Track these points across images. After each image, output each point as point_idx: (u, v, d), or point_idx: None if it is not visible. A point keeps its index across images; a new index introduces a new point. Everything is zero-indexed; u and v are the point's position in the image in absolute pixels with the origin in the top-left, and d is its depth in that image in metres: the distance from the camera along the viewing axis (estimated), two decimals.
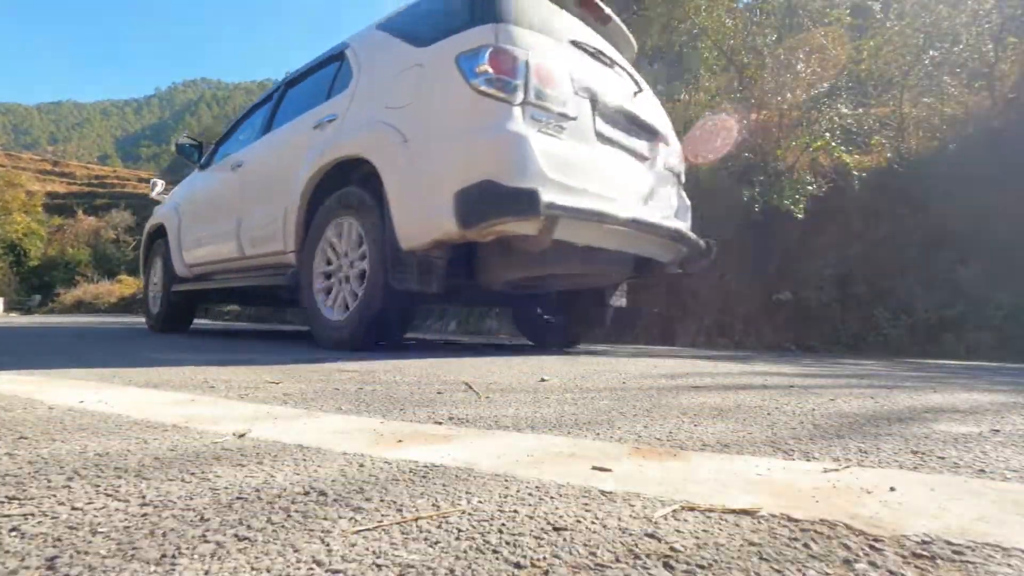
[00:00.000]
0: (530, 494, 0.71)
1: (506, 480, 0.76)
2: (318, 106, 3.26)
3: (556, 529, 0.59)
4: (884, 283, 5.03)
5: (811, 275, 5.32)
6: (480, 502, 0.67)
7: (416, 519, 0.61)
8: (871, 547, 0.56)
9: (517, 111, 2.40)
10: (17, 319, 11.63)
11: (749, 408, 1.43)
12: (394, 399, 1.44)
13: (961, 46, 5.53)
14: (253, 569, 0.48)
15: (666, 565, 0.51)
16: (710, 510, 0.66)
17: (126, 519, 0.59)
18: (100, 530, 0.56)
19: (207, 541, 0.54)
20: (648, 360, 3.01)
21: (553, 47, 2.65)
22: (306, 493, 0.69)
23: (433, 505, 0.66)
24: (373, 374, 1.97)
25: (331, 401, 1.39)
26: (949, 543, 0.57)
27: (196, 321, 9.76)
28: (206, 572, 0.48)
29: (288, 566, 0.49)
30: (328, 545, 0.54)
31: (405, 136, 2.60)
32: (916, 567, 0.52)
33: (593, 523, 0.61)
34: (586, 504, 0.67)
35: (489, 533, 0.58)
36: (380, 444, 0.95)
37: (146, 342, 3.66)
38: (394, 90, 2.78)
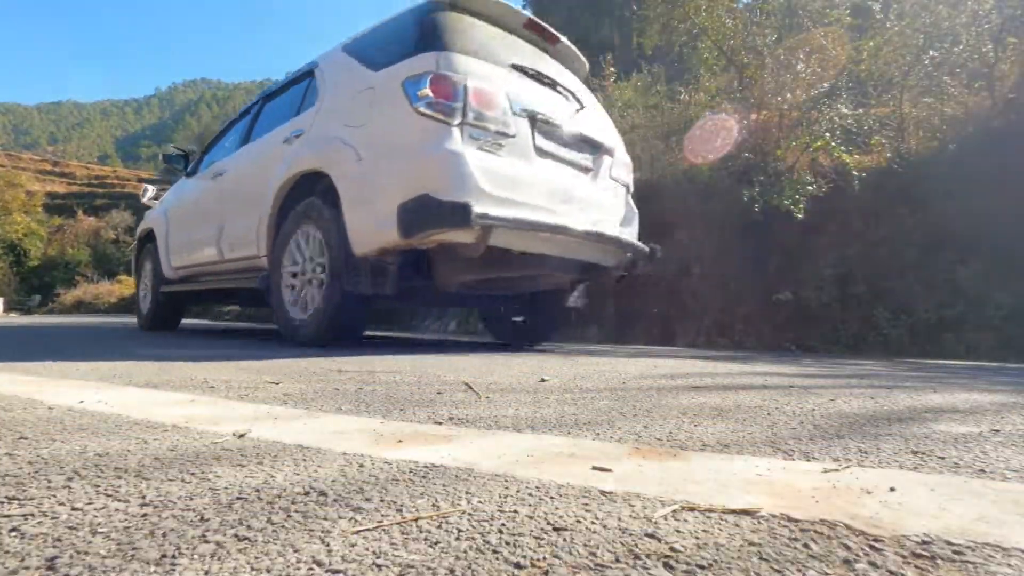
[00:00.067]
0: (530, 494, 0.71)
1: (506, 480, 0.76)
2: (289, 121, 3.52)
3: (556, 529, 0.59)
4: (884, 283, 5.03)
5: (811, 275, 5.32)
6: (480, 502, 0.67)
7: (416, 519, 0.61)
8: (871, 547, 0.56)
9: (456, 131, 2.66)
10: (17, 319, 11.63)
11: (749, 408, 1.43)
12: (394, 399, 1.44)
13: (961, 46, 5.53)
14: (253, 569, 0.48)
15: (666, 565, 0.51)
16: (710, 510, 0.66)
17: (126, 519, 0.59)
18: (100, 530, 0.56)
19: (207, 541, 0.54)
20: (648, 360, 3.01)
21: (492, 72, 2.89)
22: (306, 493, 0.69)
23: (433, 505, 0.66)
24: (373, 374, 1.97)
25: (331, 401, 1.39)
26: (949, 543, 0.57)
27: (196, 321, 9.76)
28: (206, 572, 0.48)
29: (288, 566, 0.49)
30: (328, 545, 0.54)
31: (359, 153, 2.86)
32: (916, 567, 0.52)
33: (593, 523, 0.61)
34: (586, 504, 0.67)
35: (489, 533, 0.58)
36: (380, 444, 0.95)
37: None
38: (352, 110, 3.05)
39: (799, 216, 5.18)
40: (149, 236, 5.12)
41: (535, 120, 2.95)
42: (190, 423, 1.09)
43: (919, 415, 1.38)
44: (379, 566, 0.50)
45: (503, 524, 0.60)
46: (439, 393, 1.57)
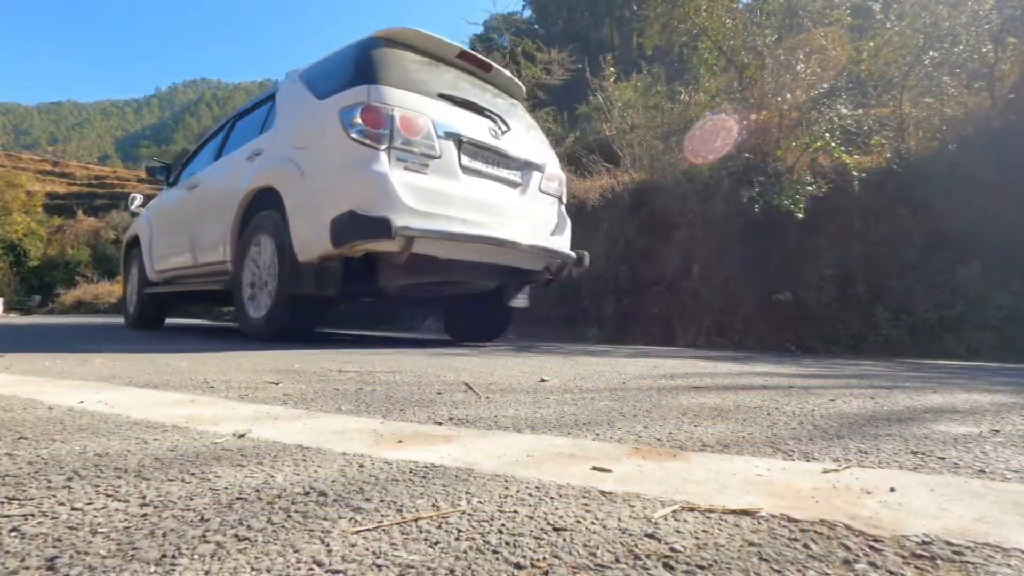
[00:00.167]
0: (530, 494, 0.71)
1: (506, 480, 0.76)
2: (252, 140, 3.90)
3: (556, 529, 0.59)
4: (884, 283, 5.02)
5: (811, 275, 5.32)
6: (480, 502, 0.67)
7: (416, 519, 0.61)
8: (871, 547, 0.56)
9: (383, 155, 3.02)
10: (16, 319, 11.63)
11: (749, 408, 1.43)
12: (394, 399, 1.44)
13: (961, 47, 5.52)
14: (253, 569, 0.48)
15: (666, 565, 0.51)
16: (710, 510, 0.66)
17: (126, 519, 0.59)
18: (100, 530, 0.56)
19: (207, 541, 0.54)
20: (648, 360, 3.01)
21: (420, 101, 3.24)
22: (306, 493, 0.69)
23: (433, 505, 0.66)
24: (373, 374, 1.97)
25: (331, 402, 1.39)
26: (949, 543, 0.57)
27: (195, 321, 9.76)
28: (206, 572, 0.48)
29: (288, 566, 0.49)
30: (328, 545, 0.54)
31: (303, 172, 3.22)
32: (916, 567, 0.52)
33: (593, 523, 0.61)
34: (586, 504, 0.67)
35: (489, 533, 0.58)
36: (380, 444, 0.95)
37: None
38: (300, 133, 3.44)
39: (799, 216, 5.18)
40: (135, 242, 5.52)
41: (461, 142, 3.32)
42: (190, 423, 1.09)
43: (919, 415, 1.39)
44: (379, 566, 0.50)
45: (503, 524, 0.60)
46: (439, 393, 1.57)
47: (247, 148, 3.87)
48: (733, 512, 0.65)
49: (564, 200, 4.09)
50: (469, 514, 0.63)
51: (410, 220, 2.97)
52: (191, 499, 0.66)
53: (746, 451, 0.97)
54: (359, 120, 3.02)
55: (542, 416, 1.26)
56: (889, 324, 4.78)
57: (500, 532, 0.58)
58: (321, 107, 3.30)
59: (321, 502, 0.66)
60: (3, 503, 0.63)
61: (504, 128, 3.61)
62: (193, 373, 1.88)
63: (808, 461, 0.91)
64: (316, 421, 1.14)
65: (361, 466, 0.82)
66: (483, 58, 3.89)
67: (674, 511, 0.65)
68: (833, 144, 5.27)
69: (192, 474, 0.76)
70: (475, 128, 3.42)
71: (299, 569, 0.49)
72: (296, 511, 0.63)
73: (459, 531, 0.58)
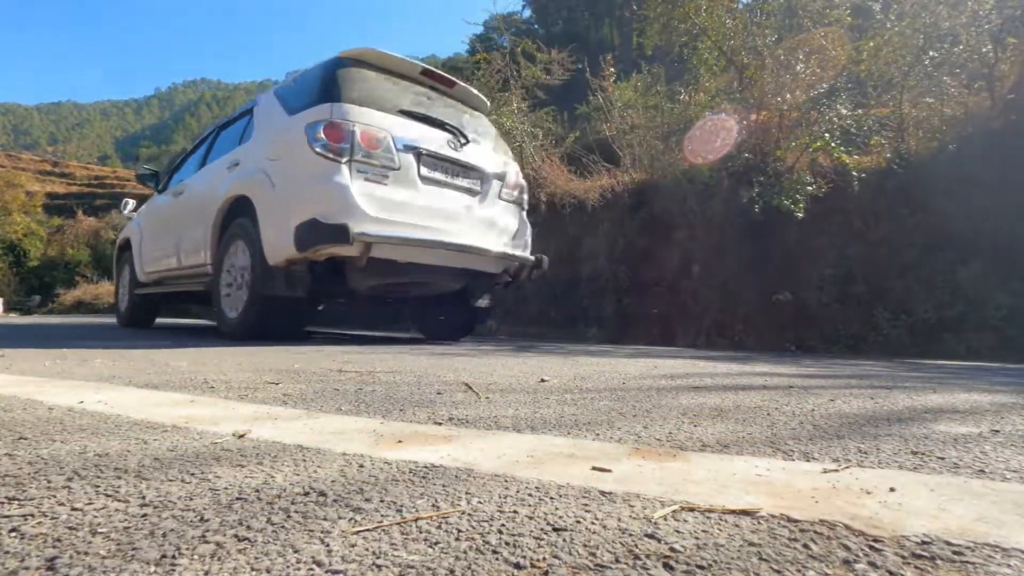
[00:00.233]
0: (530, 495, 0.71)
1: (506, 480, 0.76)
2: (232, 151, 4.13)
3: (556, 529, 0.59)
4: (884, 283, 5.02)
5: (811, 275, 5.32)
6: (480, 502, 0.67)
7: (416, 519, 0.61)
8: (871, 547, 0.56)
9: (344, 168, 3.26)
10: (16, 319, 11.63)
11: (749, 409, 1.43)
12: (394, 400, 1.44)
13: (961, 47, 5.52)
14: (253, 570, 0.48)
15: (666, 566, 0.51)
16: (710, 510, 0.66)
17: (126, 519, 0.59)
18: (100, 530, 0.56)
19: (207, 542, 0.54)
20: (648, 360, 3.01)
21: (381, 117, 3.48)
22: (306, 494, 0.69)
23: (433, 506, 0.66)
24: (373, 375, 1.97)
25: (331, 402, 1.39)
26: (949, 543, 0.57)
27: (197, 321, 9.76)
28: (206, 573, 0.48)
29: (288, 567, 0.49)
30: (328, 546, 0.54)
31: (273, 183, 3.46)
32: (916, 567, 0.52)
33: (593, 523, 0.61)
34: (586, 504, 0.67)
35: (489, 534, 0.58)
36: (380, 445, 0.95)
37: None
38: (272, 146, 3.66)
39: (799, 216, 5.18)
40: (127, 245, 5.80)
41: (420, 154, 3.57)
42: (190, 423, 1.09)
43: (919, 415, 1.39)
44: (379, 566, 0.50)
45: (503, 524, 0.60)
46: (439, 393, 1.57)
47: (227, 158, 4.11)
48: (733, 512, 0.65)
49: (525, 207, 4.35)
50: (469, 514, 0.63)
51: (368, 227, 3.20)
52: (191, 499, 0.66)
53: (746, 451, 0.97)
54: (322, 135, 3.27)
55: (542, 416, 1.26)
56: (889, 324, 4.78)
57: (500, 532, 0.58)
58: (290, 122, 3.54)
59: (321, 502, 0.66)
60: (3, 503, 0.63)
61: (463, 141, 3.85)
62: (193, 373, 1.88)
63: (808, 461, 0.91)
64: (316, 421, 1.14)
65: (361, 466, 0.82)
66: (445, 75, 4.18)
67: (674, 511, 0.65)
68: (833, 144, 5.27)
69: (192, 474, 0.76)
70: (434, 141, 3.66)
71: (299, 569, 0.49)
72: (296, 511, 0.63)
73: (459, 531, 0.58)
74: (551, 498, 0.69)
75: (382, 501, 0.67)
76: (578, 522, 0.61)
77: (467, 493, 0.71)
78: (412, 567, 0.50)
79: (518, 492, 0.71)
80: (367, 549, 0.53)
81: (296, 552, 0.52)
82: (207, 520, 0.59)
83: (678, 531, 0.59)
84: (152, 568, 0.48)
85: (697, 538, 0.57)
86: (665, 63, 9.06)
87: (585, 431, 1.11)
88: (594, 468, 0.83)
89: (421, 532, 0.58)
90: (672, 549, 0.55)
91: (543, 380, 1.93)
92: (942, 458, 0.94)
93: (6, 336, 4.14)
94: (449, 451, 0.92)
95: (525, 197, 4.35)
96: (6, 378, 1.70)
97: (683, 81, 7.68)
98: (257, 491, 0.69)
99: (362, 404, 1.36)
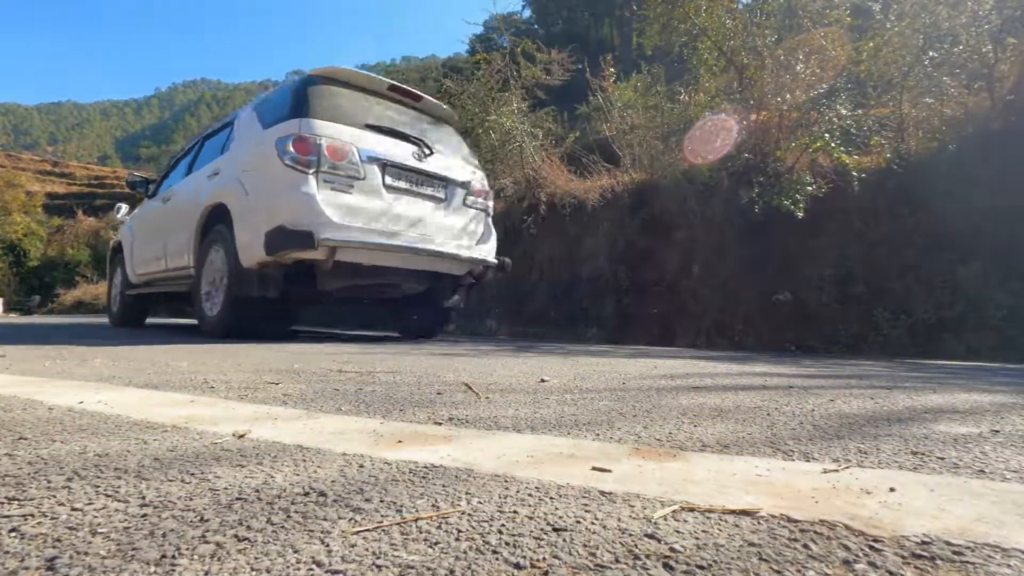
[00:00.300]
0: (530, 495, 0.71)
1: (506, 481, 0.76)
2: (214, 161, 4.37)
3: (556, 530, 0.59)
4: (884, 283, 5.02)
5: (811, 275, 5.32)
6: (480, 503, 0.67)
7: (416, 520, 0.61)
8: (871, 548, 0.56)
9: (311, 178, 3.51)
10: (16, 319, 11.63)
11: (749, 409, 1.43)
12: (394, 400, 1.44)
13: (961, 47, 5.52)
14: (253, 570, 0.48)
15: (666, 566, 0.51)
16: (710, 511, 0.66)
17: (126, 520, 0.59)
18: (100, 531, 0.56)
19: (207, 542, 0.54)
20: (648, 361, 3.01)
21: (347, 131, 3.73)
22: (306, 494, 0.69)
23: (433, 506, 0.66)
24: (373, 375, 1.97)
25: (331, 402, 1.39)
26: (949, 544, 0.57)
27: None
28: (206, 573, 0.48)
29: (288, 567, 0.49)
30: (328, 546, 0.54)
31: (247, 191, 3.70)
32: (916, 567, 0.52)
33: (593, 524, 0.61)
34: (586, 505, 0.67)
35: (489, 534, 0.58)
36: (380, 445, 0.95)
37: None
38: (248, 157, 3.91)
39: (799, 216, 5.18)
40: (119, 248, 6.07)
41: (385, 165, 3.82)
42: (190, 423, 1.09)
43: (919, 415, 1.39)
44: (379, 567, 0.50)
45: (503, 525, 0.60)
46: (439, 393, 1.57)
47: (209, 167, 4.37)
48: (733, 512, 0.65)
49: (491, 213, 4.63)
50: (469, 514, 0.63)
51: (333, 232, 3.44)
52: (191, 499, 0.66)
53: (746, 451, 0.97)
54: (291, 148, 3.52)
55: (542, 416, 1.26)
56: (889, 324, 4.78)
57: (500, 532, 0.58)
58: (264, 136, 3.79)
59: (321, 502, 0.66)
60: (3, 503, 0.63)
61: (428, 151, 4.12)
62: (193, 373, 1.88)
63: (808, 461, 0.91)
64: (316, 421, 1.14)
65: (361, 466, 0.82)
66: (412, 90, 4.45)
67: (674, 511, 0.65)
68: (833, 144, 5.27)
69: (192, 474, 0.76)
70: (399, 152, 3.92)
71: (299, 569, 0.49)
72: (296, 511, 0.63)
73: (459, 531, 0.58)
74: (551, 498, 0.69)
75: (382, 501, 0.67)
76: (578, 522, 0.61)
77: (467, 493, 0.71)
78: (412, 567, 0.50)
79: (518, 492, 0.71)
80: (367, 549, 0.53)
81: (296, 552, 0.52)
82: (207, 520, 0.59)
83: (678, 531, 0.59)
84: (152, 568, 0.48)
85: (697, 538, 0.57)
86: (665, 63, 9.06)
87: (585, 431, 1.11)
88: (594, 468, 0.83)
89: (421, 532, 0.58)
90: (672, 549, 0.55)
91: (543, 380, 1.93)
92: (942, 458, 0.94)
93: (6, 336, 4.15)
94: (449, 451, 0.92)
95: (490, 204, 4.64)
96: (6, 378, 1.70)
97: (683, 81, 7.68)
98: (257, 491, 0.69)
99: (362, 404, 1.36)
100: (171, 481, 0.73)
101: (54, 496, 0.66)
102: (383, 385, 1.71)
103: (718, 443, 1.03)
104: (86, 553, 0.51)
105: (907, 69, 5.76)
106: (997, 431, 1.20)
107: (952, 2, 5.54)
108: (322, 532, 0.57)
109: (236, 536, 0.55)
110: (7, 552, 0.51)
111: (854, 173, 5.21)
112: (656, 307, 5.99)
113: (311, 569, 0.49)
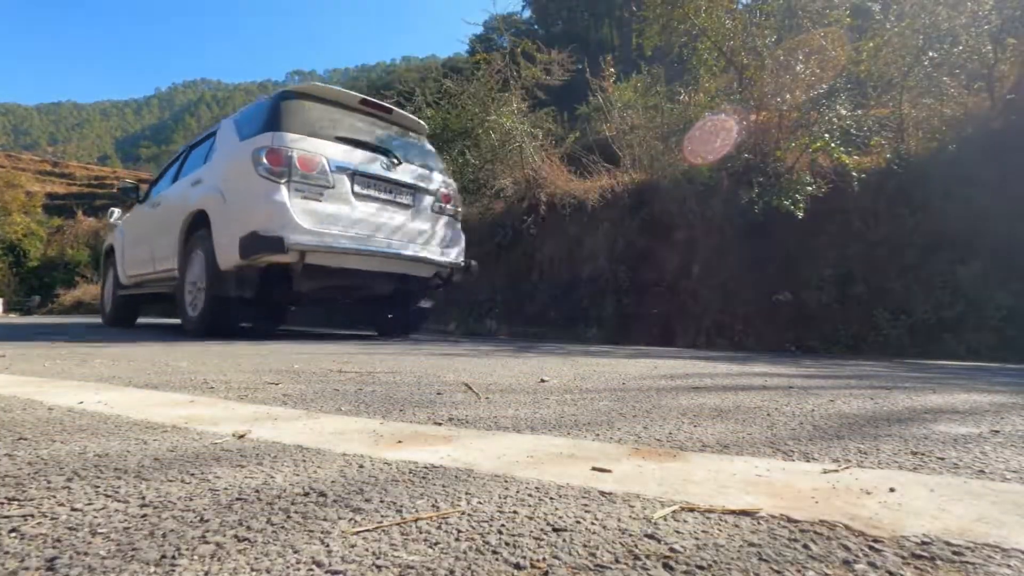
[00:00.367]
0: (530, 495, 0.71)
1: (506, 481, 0.76)
2: (197, 169, 4.64)
3: (556, 530, 0.59)
4: (884, 283, 5.02)
5: (811, 275, 5.32)
6: (480, 503, 0.67)
7: (416, 520, 0.61)
8: (871, 548, 0.56)
9: (283, 187, 3.76)
10: (16, 319, 11.63)
11: (749, 409, 1.43)
12: (394, 400, 1.44)
13: (960, 47, 5.52)
14: (253, 570, 0.48)
15: (666, 566, 0.51)
16: (710, 511, 0.66)
17: (126, 520, 0.59)
18: (100, 531, 0.56)
19: (207, 542, 0.54)
20: (648, 361, 3.01)
21: (317, 143, 3.98)
22: (306, 494, 0.69)
23: (433, 506, 0.66)
24: (373, 375, 1.97)
25: (331, 402, 1.39)
26: (948, 544, 0.57)
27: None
28: (206, 573, 0.48)
29: (288, 567, 0.49)
30: (328, 546, 0.54)
31: (225, 199, 3.97)
32: (915, 568, 0.52)
33: (593, 524, 0.61)
34: (586, 505, 0.67)
35: (489, 534, 0.58)
36: (380, 445, 0.95)
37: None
38: (226, 167, 4.17)
39: (799, 216, 5.18)
40: (111, 250, 6.36)
41: (354, 174, 4.08)
42: (190, 424, 1.09)
43: (918, 416, 1.39)
44: (379, 567, 0.50)
45: (503, 525, 0.60)
46: (439, 394, 1.57)
47: (193, 175, 4.63)
48: (733, 512, 0.65)
49: (459, 218, 4.93)
50: (469, 514, 0.63)
51: (302, 237, 3.70)
52: (191, 500, 0.66)
53: (746, 451, 0.97)
54: (265, 160, 3.77)
55: (542, 416, 1.26)
56: (889, 324, 4.78)
57: (500, 532, 0.58)
58: (241, 147, 4.04)
59: (321, 503, 0.66)
60: (3, 503, 0.63)
61: (396, 161, 4.38)
62: (192, 373, 1.88)
63: (808, 461, 0.91)
64: (316, 422, 1.14)
65: (361, 467, 0.82)
66: (382, 103, 4.73)
67: (674, 511, 0.65)
68: (833, 144, 5.27)
69: (192, 475, 0.76)
70: (367, 162, 4.19)
71: (299, 570, 0.49)
72: (296, 512, 0.63)
73: (459, 531, 0.58)
74: (551, 498, 0.69)
75: (382, 501, 0.67)
76: (578, 522, 0.61)
77: (467, 493, 0.71)
78: (412, 567, 0.50)
79: (518, 492, 0.71)
80: (367, 549, 0.53)
81: (296, 552, 0.52)
82: (207, 520, 0.59)
83: (678, 531, 0.59)
84: (152, 568, 0.48)
85: (697, 538, 0.57)
86: (665, 63, 9.06)
87: (585, 431, 1.11)
88: (594, 468, 0.83)
89: (421, 532, 0.58)
90: (672, 549, 0.55)
91: (543, 380, 1.93)
92: (942, 458, 0.94)
93: (6, 336, 4.16)
94: (449, 451, 0.92)
95: (459, 209, 4.96)
96: (6, 378, 1.70)
97: (683, 82, 7.68)
98: (257, 491, 0.69)
99: (362, 404, 1.36)
100: (171, 481, 0.73)
101: (54, 496, 0.66)
102: (383, 385, 1.71)
103: (718, 443, 1.03)
104: (86, 553, 0.51)
105: (907, 69, 5.76)
106: (997, 431, 1.20)
107: (952, 2, 5.54)
108: (322, 532, 0.57)
109: (236, 536, 0.55)
110: (7, 552, 0.51)
111: (854, 173, 5.21)
112: (656, 307, 5.99)
113: (311, 569, 0.49)
